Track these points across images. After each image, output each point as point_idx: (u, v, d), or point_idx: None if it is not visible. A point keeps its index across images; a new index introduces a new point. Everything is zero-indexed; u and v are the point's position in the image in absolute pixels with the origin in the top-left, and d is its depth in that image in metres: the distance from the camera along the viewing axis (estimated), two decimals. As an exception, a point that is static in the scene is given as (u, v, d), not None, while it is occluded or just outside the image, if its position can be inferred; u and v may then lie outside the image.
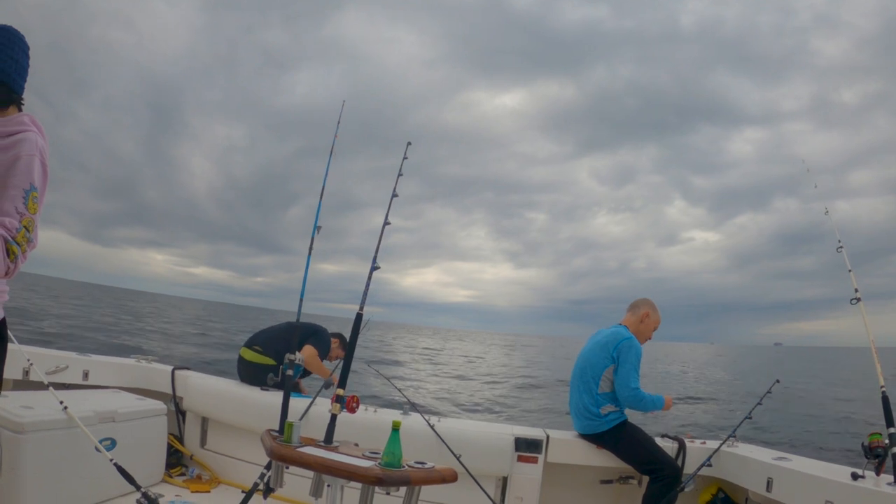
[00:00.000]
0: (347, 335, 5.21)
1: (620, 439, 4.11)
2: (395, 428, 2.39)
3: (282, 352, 4.76)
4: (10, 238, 1.94)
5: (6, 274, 1.97)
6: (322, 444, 2.61)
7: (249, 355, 4.81)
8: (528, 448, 4.10)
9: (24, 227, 1.98)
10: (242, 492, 3.75)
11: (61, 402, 3.51)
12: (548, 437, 4.20)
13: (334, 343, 5.13)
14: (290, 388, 2.98)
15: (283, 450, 2.45)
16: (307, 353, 4.73)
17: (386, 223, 2.86)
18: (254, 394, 4.53)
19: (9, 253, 1.94)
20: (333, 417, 2.65)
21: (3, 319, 2.34)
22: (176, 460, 4.56)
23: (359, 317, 2.76)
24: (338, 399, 2.60)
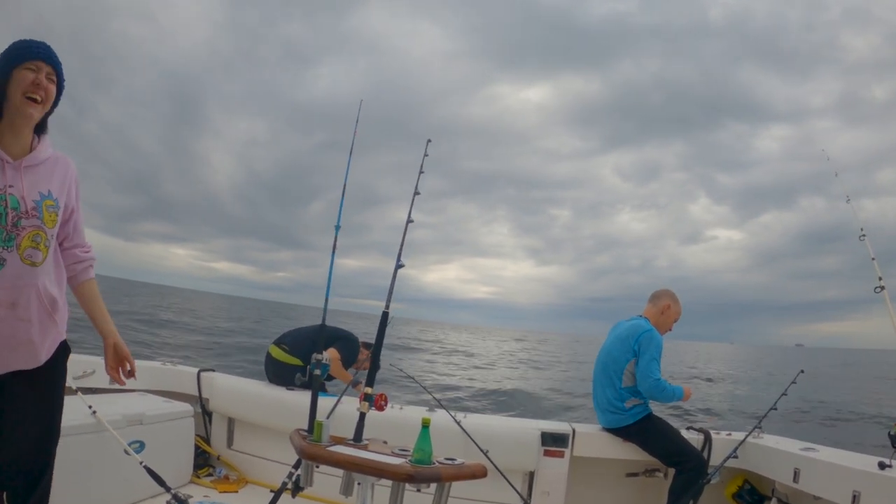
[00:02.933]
0: (372, 333, 5.23)
1: (646, 432, 4.10)
2: (425, 425, 2.40)
3: (309, 353, 4.78)
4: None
5: None
6: (351, 442, 2.62)
7: (277, 353, 4.83)
8: (554, 442, 4.11)
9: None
10: (271, 491, 3.78)
11: (90, 407, 3.56)
12: (574, 430, 4.20)
13: (363, 354, 5.05)
14: (317, 387, 2.99)
15: (313, 449, 2.46)
16: (330, 356, 4.74)
17: (409, 220, 2.86)
18: (279, 394, 4.56)
19: None
20: (362, 416, 2.66)
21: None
22: (203, 461, 4.61)
23: (385, 314, 2.76)
24: (366, 397, 2.61)
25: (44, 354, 2.29)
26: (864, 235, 3.99)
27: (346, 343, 4.91)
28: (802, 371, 4.47)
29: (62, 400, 2.43)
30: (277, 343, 4.91)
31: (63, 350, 2.40)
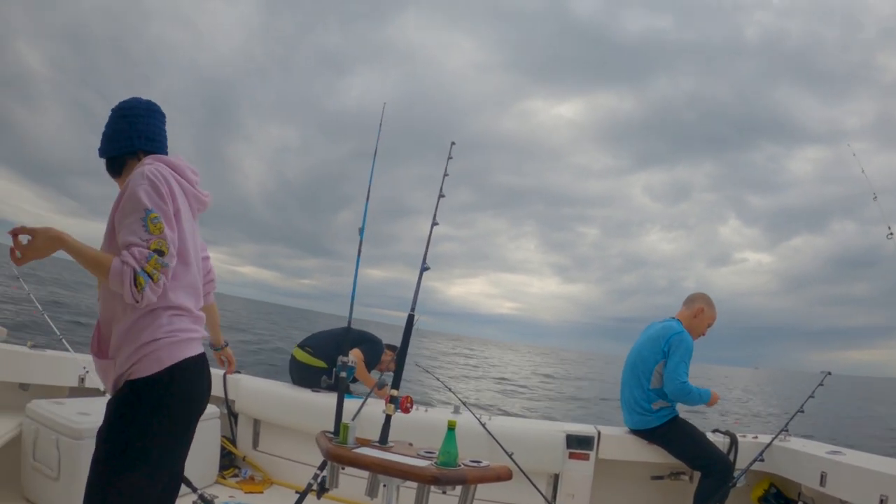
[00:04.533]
0: (397, 341, 5.24)
1: (672, 434, 4.07)
2: (451, 427, 2.41)
3: (333, 355, 4.81)
4: (138, 269, 1.89)
5: (136, 302, 1.91)
6: (377, 444, 2.64)
7: (301, 355, 4.87)
8: (579, 445, 4.09)
9: (155, 250, 1.93)
10: (296, 492, 3.80)
11: None
12: (599, 433, 4.19)
13: (387, 356, 5.07)
14: (343, 389, 3.01)
15: (339, 451, 2.49)
16: (355, 358, 4.75)
17: (434, 223, 2.87)
18: (305, 395, 4.59)
19: (136, 283, 1.88)
20: (388, 418, 2.68)
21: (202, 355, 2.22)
22: (228, 462, 4.65)
23: (410, 317, 2.78)
24: (392, 400, 2.62)
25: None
26: (891, 234, 3.94)
27: (370, 345, 4.94)
28: (829, 373, 4.41)
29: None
30: (301, 346, 4.94)
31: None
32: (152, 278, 1.91)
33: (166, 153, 2.28)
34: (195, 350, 2.14)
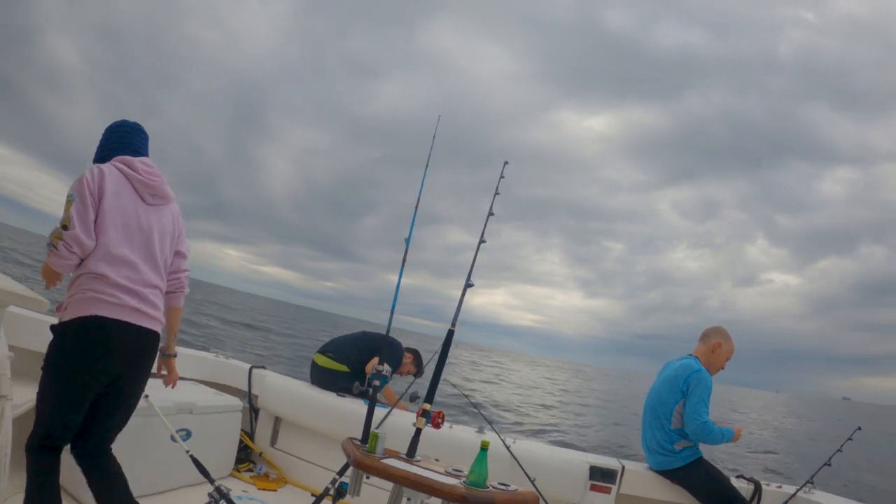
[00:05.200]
0: (421, 352, 5.21)
1: (695, 477, 3.99)
2: (484, 448, 2.38)
3: (354, 359, 4.79)
4: (47, 241, 2.51)
5: (52, 266, 2.55)
6: (405, 456, 2.61)
7: (322, 360, 4.87)
8: (602, 477, 4.03)
9: (62, 226, 2.48)
10: (312, 495, 3.79)
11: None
12: (623, 467, 4.12)
13: (407, 358, 5.07)
14: (375, 398, 2.99)
15: (367, 460, 2.46)
16: (370, 365, 4.71)
17: (482, 241, 2.85)
18: (330, 399, 4.58)
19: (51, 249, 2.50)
20: (418, 431, 2.64)
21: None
22: (245, 456, 4.65)
23: (450, 333, 2.75)
24: (424, 413, 2.59)
25: None
26: None
27: (390, 350, 4.88)
28: (859, 428, 4.32)
29: None
30: (322, 351, 4.95)
31: None
32: (54, 245, 2.47)
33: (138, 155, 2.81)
34: (103, 311, 2.52)
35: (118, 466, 2.81)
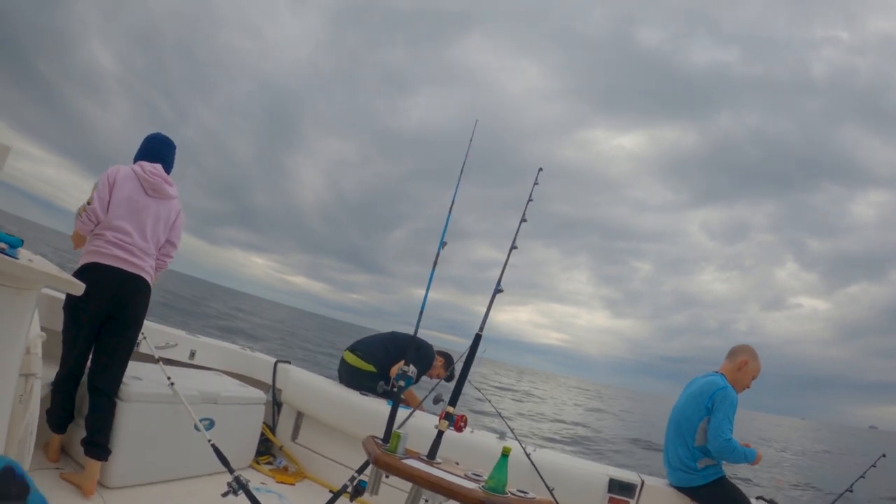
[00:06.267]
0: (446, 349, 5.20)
1: (716, 495, 3.93)
2: (505, 454, 2.38)
3: (381, 359, 4.80)
4: (76, 211, 3.50)
5: (79, 229, 3.52)
6: (426, 458, 2.61)
7: (351, 359, 4.88)
8: (621, 491, 3.99)
9: (87, 202, 3.46)
10: (330, 491, 3.81)
11: (168, 378, 3.70)
12: (643, 482, 4.07)
13: (438, 361, 5.05)
14: (399, 398, 3.00)
15: (388, 459, 2.47)
16: (395, 368, 4.72)
17: (513, 247, 2.85)
18: (353, 397, 4.60)
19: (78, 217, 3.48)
20: (440, 434, 2.65)
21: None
22: (265, 448, 4.70)
23: (477, 337, 2.75)
24: (447, 416, 2.59)
25: None
26: None
27: (419, 354, 4.89)
28: (884, 455, 4.22)
29: None
30: (352, 349, 4.96)
31: None
32: (80, 214, 3.46)
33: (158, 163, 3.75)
34: (97, 259, 3.44)
35: (102, 416, 3.44)
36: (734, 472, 4.27)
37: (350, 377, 4.84)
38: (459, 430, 2.61)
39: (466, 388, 2.86)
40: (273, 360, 5.05)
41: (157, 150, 3.79)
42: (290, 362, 5.13)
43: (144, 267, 3.60)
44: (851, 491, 3.99)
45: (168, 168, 3.81)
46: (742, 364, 4.11)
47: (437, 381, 4.91)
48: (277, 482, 4.33)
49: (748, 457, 3.90)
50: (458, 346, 2.89)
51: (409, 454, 2.61)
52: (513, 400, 27.87)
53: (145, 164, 3.68)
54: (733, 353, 4.21)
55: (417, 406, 4.18)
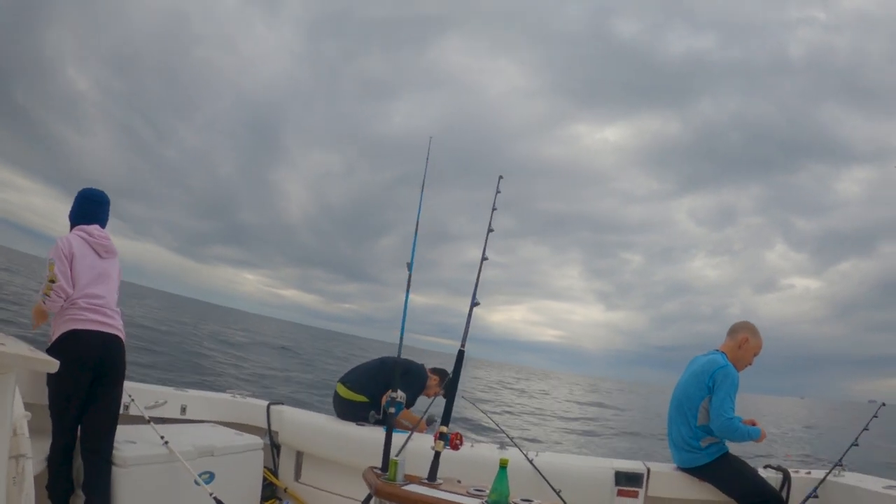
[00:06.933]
0: (440, 366, 5.17)
1: (722, 471, 3.94)
2: (503, 466, 2.38)
3: (372, 389, 4.77)
4: (40, 294, 3.54)
5: (46, 308, 3.57)
6: (426, 481, 2.61)
7: (342, 391, 4.85)
8: (628, 482, 3.98)
9: (50, 280, 3.49)
10: None
11: (162, 437, 3.65)
12: (648, 470, 4.07)
13: (433, 380, 4.99)
14: (392, 425, 2.99)
15: (388, 488, 2.47)
16: (385, 397, 4.67)
17: (483, 258, 2.85)
18: (349, 429, 4.57)
19: (43, 301, 3.52)
20: (437, 455, 2.64)
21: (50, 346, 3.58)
22: (270, 493, 4.65)
23: (461, 353, 2.75)
24: (441, 436, 2.59)
25: None
26: None
27: (410, 378, 4.84)
28: (884, 404, 4.26)
29: None
30: (343, 381, 4.93)
31: None
32: (46, 294, 3.48)
33: (94, 223, 3.82)
34: (75, 326, 3.52)
35: (102, 480, 3.46)
36: (742, 450, 4.27)
37: (344, 409, 4.80)
38: (456, 448, 2.62)
39: (462, 402, 2.86)
40: (265, 402, 5.00)
41: (93, 210, 3.89)
42: (282, 403, 5.08)
43: (119, 326, 3.75)
44: (857, 444, 4.03)
45: (104, 224, 3.92)
46: (743, 341, 4.11)
47: (432, 400, 4.87)
48: (287, 524, 4.29)
49: (752, 434, 3.91)
50: (451, 348, 2.87)
51: (410, 479, 2.60)
52: (512, 403, 27.87)
53: (89, 228, 3.80)
54: (734, 330, 4.21)
55: (417, 424, 4.16)
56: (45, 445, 3.46)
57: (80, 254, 3.68)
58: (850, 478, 4.01)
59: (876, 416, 4.08)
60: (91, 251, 3.76)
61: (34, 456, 2.84)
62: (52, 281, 3.50)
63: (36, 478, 2.89)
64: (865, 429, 4.02)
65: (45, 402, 3.50)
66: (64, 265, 3.59)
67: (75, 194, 3.92)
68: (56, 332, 3.58)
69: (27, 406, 2.97)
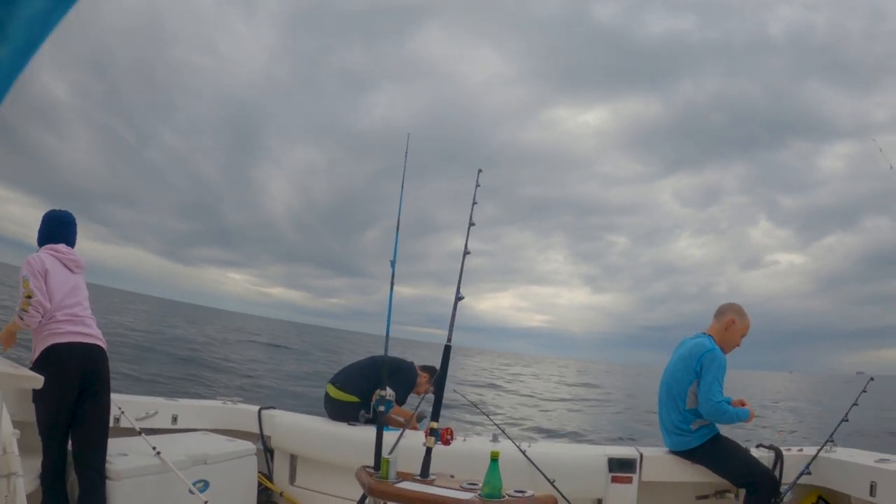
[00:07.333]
0: (428, 361, 5.15)
1: (714, 453, 3.97)
2: (494, 458, 2.38)
3: (362, 388, 4.76)
4: (18, 311, 3.55)
5: (28, 326, 3.58)
6: (419, 477, 2.60)
7: (333, 392, 4.83)
8: (621, 468, 4.00)
9: (27, 297, 3.50)
10: None
11: (154, 448, 3.63)
12: (641, 455, 4.10)
13: (423, 378, 4.97)
14: (382, 424, 2.98)
15: (381, 486, 2.47)
16: (374, 396, 4.65)
17: (466, 252, 2.85)
18: (342, 430, 4.55)
19: (20, 318, 3.53)
20: (428, 451, 2.64)
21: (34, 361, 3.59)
22: (266, 498, 4.64)
23: (447, 348, 2.74)
24: (432, 432, 2.59)
25: None
26: None
27: (399, 377, 4.82)
28: (872, 378, 4.30)
29: None
30: (332, 382, 4.91)
31: None
32: (24, 310, 3.49)
33: (62, 242, 3.87)
34: (56, 340, 3.56)
35: (97, 494, 3.45)
36: (733, 431, 4.29)
37: (335, 410, 4.78)
38: (447, 443, 2.61)
39: (454, 395, 2.86)
40: (256, 408, 4.98)
41: (60, 230, 3.95)
42: (273, 407, 5.06)
43: (99, 335, 3.81)
44: (847, 420, 4.06)
45: (72, 244, 3.97)
46: (729, 323, 4.12)
47: (422, 397, 4.86)
48: (284, 528, 4.27)
49: (741, 416, 3.93)
50: (441, 338, 2.86)
51: (402, 476, 2.60)
52: (502, 391, 27.90)
53: (57, 246, 3.86)
54: (720, 312, 4.21)
55: (410, 420, 4.14)
56: (36, 463, 3.43)
57: (53, 269, 3.73)
58: (841, 453, 4.05)
59: (865, 391, 4.11)
60: (62, 266, 3.82)
61: (25, 474, 2.82)
62: (29, 297, 3.52)
63: (29, 496, 2.87)
64: (855, 404, 4.05)
65: (34, 419, 3.48)
66: (39, 281, 3.62)
67: (53, 202, 3.99)
68: (37, 348, 3.60)
69: (15, 424, 2.95)
